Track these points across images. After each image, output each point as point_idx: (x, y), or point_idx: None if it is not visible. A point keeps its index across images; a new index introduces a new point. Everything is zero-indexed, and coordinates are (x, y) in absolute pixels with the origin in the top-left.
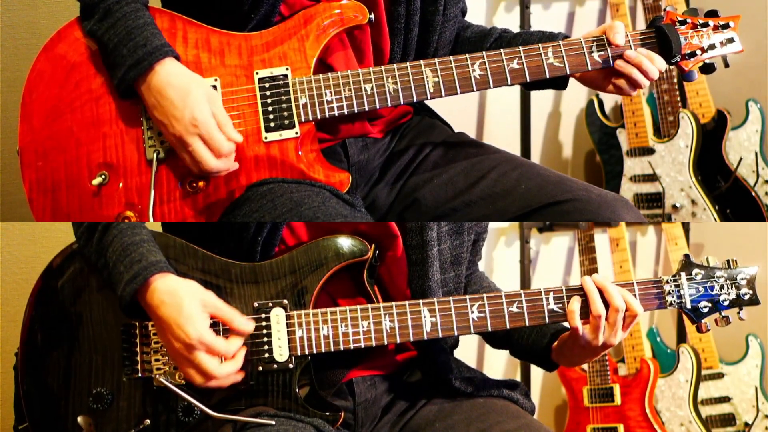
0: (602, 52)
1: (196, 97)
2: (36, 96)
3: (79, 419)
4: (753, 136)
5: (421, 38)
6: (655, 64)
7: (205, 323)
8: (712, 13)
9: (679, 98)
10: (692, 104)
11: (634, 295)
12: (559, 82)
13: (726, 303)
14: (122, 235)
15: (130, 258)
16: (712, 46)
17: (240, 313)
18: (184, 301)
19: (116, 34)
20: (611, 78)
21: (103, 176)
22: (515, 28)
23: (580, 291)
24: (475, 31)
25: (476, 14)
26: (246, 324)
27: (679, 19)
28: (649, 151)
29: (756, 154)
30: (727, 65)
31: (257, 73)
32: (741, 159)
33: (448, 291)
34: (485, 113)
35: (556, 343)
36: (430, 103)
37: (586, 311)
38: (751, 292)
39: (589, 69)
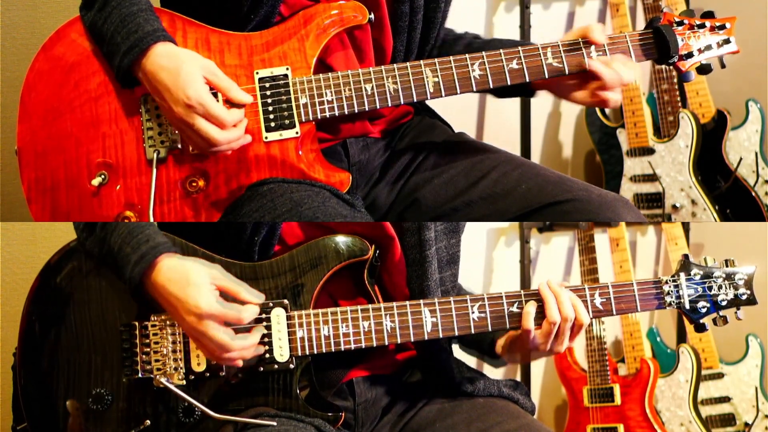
0: (600, 52)
1: (188, 73)
2: (35, 96)
3: (68, 403)
4: (753, 136)
5: (423, 36)
6: (627, 65)
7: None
8: (709, 15)
9: (679, 98)
10: (692, 104)
11: (634, 296)
12: (527, 91)
13: (724, 303)
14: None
15: (137, 239)
16: (708, 47)
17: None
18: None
19: (112, 23)
20: (584, 87)
21: (103, 176)
22: (515, 29)
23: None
24: (449, 33)
25: (476, 14)
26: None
27: (677, 20)
28: (649, 151)
29: (756, 154)
30: (723, 66)
31: (257, 73)
32: (741, 159)
33: (446, 290)
34: (485, 113)
35: (504, 338)
36: (430, 103)
37: (541, 315)
38: (748, 292)
39: (588, 68)
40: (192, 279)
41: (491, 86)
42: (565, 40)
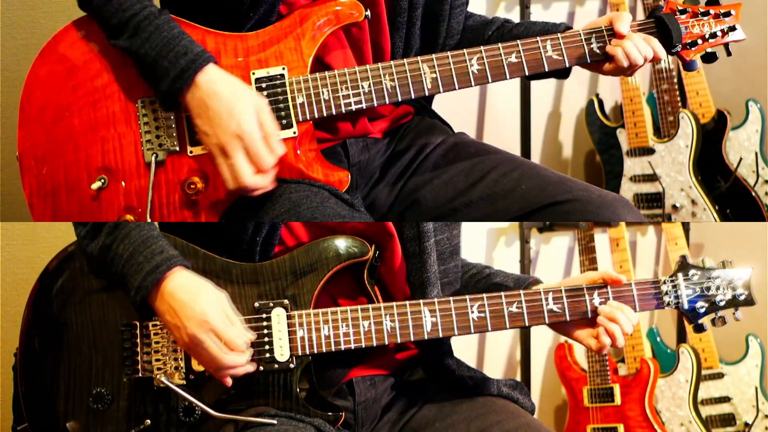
0: (601, 43)
1: (244, 107)
2: (34, 100)
3: (68, 425)
4: (753, 136)
5: (428, 29)
6: (650, 44)
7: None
8: (713, 2)
9: (679, 98)
10: (692, 104)
11: (632, 297)
12: (561, 71)
13: (722, 303)
14: (140, 228)
15: (150, 249)
16: (713, 35)
17: (241, 334)
18: (203, 290)
19: (153, 48)
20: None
21: (102, 180)
22: None
23: (579, 291)
24: (478, 19)
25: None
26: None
27: (680, 8)
28: (649, 151)
29: (756, 154)
30: (729, 53)
31: (254, 74)
32: (741, 159)
33: (450, 281)
34: (485, 113)
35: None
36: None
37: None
38: (746, 292)
39: (588, 61)
40: (203, 291)
41: (490, 81)
42: (591, 26)
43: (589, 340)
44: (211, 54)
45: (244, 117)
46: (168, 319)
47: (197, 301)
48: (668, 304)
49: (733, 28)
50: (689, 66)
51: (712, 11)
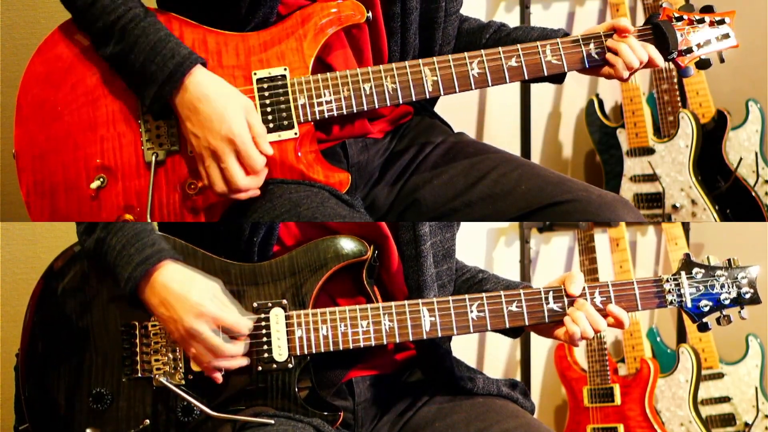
0: (600, 49)
1: (234, 109)
2: (31, 98)
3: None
4: (753, 136)
5: (424, 36)
6: (647, 49)
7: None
8: (708, 9)
9: (679, 98)
10: (692, 104)
11: (635, 295)
12: (556, 77)
13: (727, 302)
14: (134, 223)
15: (142, 242)
16: (707, 42)
17: (242, 319)
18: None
19: (140, 52)
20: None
21: (102, 179)
22: None
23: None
24: (473, 24)
25: (476, 14)
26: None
27: (676, 15)
28: (649, 151)
29: (756, 154)
30: (722, 60)
31: (255, 74)
32: (741, 159)
33: (443, 284)
34: (485, 113)
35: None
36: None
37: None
38: (752, 291)
39: (587, 66)
40: (196, 282)
41: (490, 85)
42: (589, 32)
43: (565, 336)
44: (212, 53)
45: (234, 120)
46: (162, 312)
47: (191, 292)
48: (671, 303)
49: (726, 35)
50: (684, 72)
51: (707, 19)
